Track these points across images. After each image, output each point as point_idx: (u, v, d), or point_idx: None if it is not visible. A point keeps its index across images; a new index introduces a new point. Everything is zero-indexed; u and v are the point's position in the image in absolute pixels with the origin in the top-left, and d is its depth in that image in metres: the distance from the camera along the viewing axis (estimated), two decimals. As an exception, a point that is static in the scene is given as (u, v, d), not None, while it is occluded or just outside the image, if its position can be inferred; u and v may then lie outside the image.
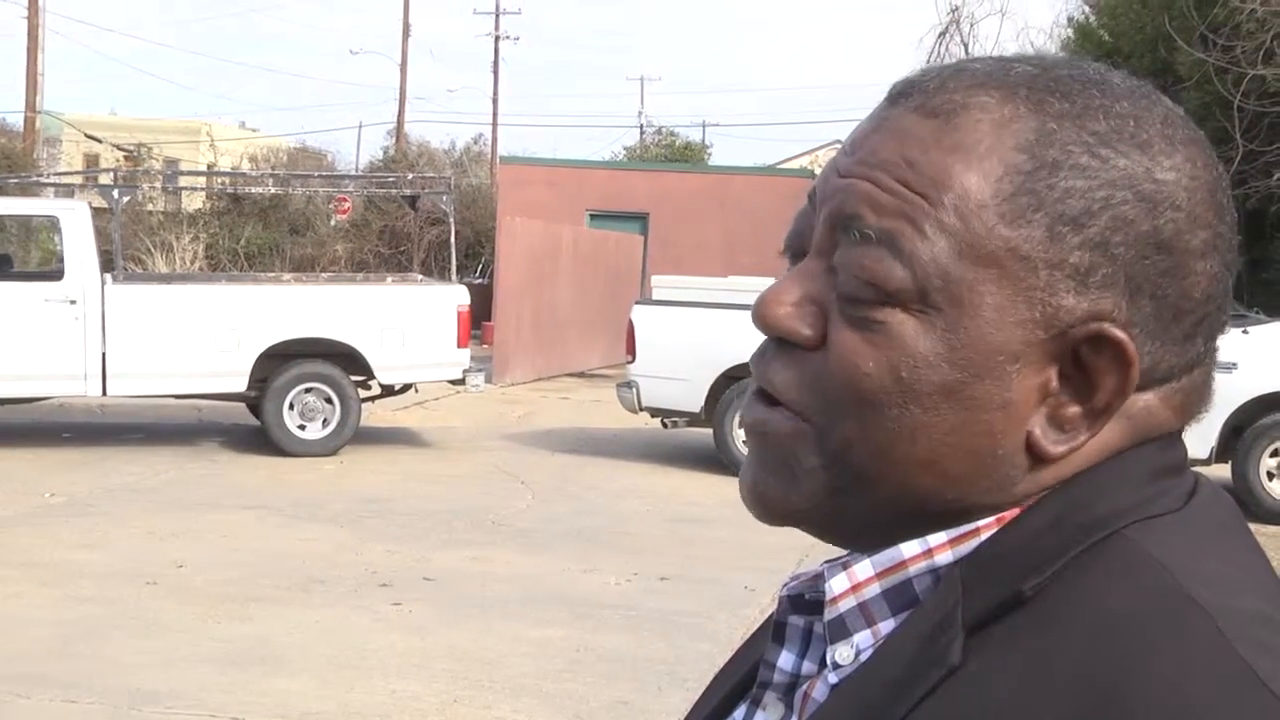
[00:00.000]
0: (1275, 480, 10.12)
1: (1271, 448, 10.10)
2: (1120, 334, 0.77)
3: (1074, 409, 0.78)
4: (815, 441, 0.80)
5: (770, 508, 0.83)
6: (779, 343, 0.82)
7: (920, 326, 0.77)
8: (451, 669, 6.08)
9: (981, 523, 0.79)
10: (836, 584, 0.81)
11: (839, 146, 0.85)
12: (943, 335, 0.77)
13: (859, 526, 0.82)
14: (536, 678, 5.99)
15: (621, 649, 6.47)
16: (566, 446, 12.98)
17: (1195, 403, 0.83)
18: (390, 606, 7.08)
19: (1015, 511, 0.79)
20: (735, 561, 8.15)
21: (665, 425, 12.34)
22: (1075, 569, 0.75)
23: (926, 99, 0.80)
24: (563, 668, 6.15)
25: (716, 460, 11.56)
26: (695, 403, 11.61)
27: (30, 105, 30.50)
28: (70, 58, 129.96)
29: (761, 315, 0.82)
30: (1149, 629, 0.71)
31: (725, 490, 10.31)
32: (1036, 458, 0.78)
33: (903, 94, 0.82)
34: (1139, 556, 0.75)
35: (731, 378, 11.31)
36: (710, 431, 11.74)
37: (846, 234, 0.80)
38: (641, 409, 11.93)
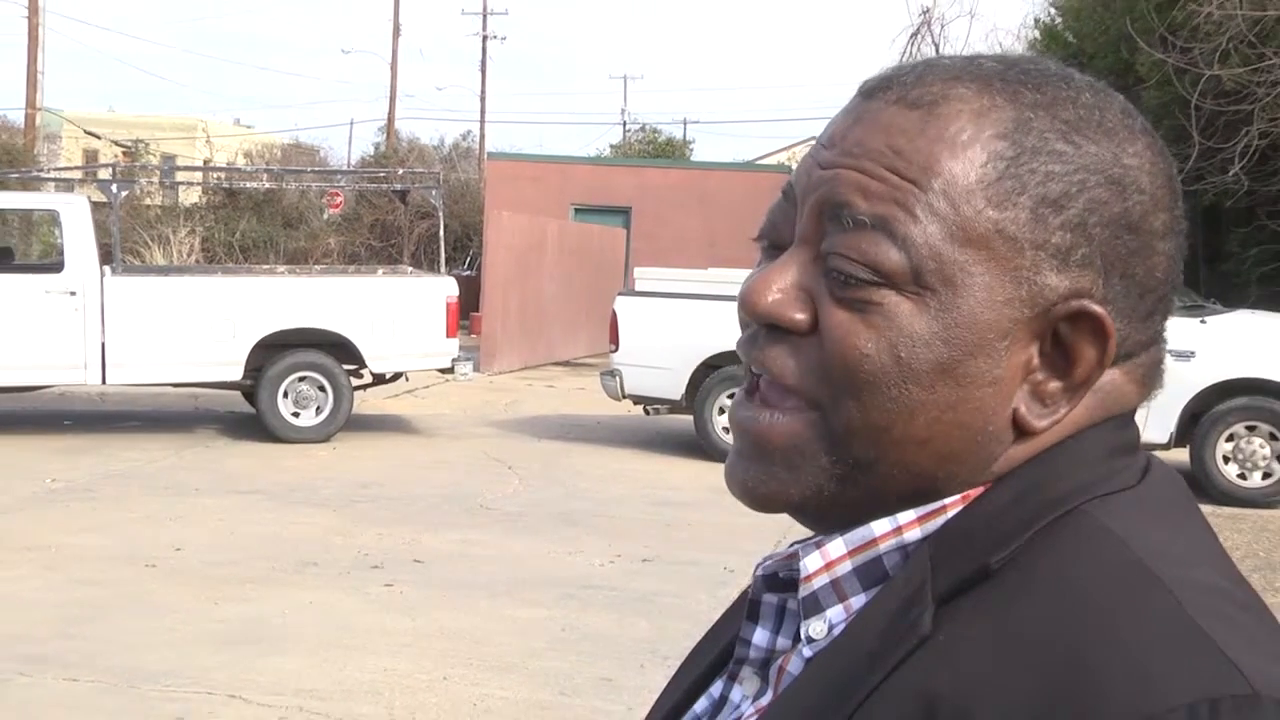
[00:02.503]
0: (1230, 464, 10.19)
1: (1227, 433, 10.17)
2: (1100, 309, 0.79)
3: (1054, 384, 0.81)
4: (820, 429, 0.81)
5: (767, 501, 0.84)
6: (769, 330, 0.83)
7: (915, 307, 0.79)
8: (441, 648, 6.14)
9: (948, 500, 0.81)
10: (811, 562, 0.82)
11: (814, 142, 0.92)
12: (937, 315, 0.79)
13: (854, 511, 0.82)
14: (523, 656, 6.04)
15: (605, 628, 6.53)
16: (552, 433, 12.99)
17: (1154, 377, 0.86)
18: (382, 588, 7.14)
19: (980, 489, 0.81)
20: (715, 543, 8.20)
21: (647, 412, 12.37)
22: (1039, 544, 0.77)
23: (905, 91, 0.82)
24: (548, 646, 6.19)
25: (697, 446, 11.59)
26: (676, 390, 11.66)
27: (31, 103, 30.51)
28: (70, 56, 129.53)
29: (751, 303, 0.82)
30: (1110, 600, 0.73)
31: (705, 475, 10.35)
32: (1021, 432, 0.81)
33: (879, 88, 0.84)
34: (1099, 531, 0.77)
35: (711, 366, 11.41)
36: (691, 418, 11.78)
37: (837, 221, 0.81)
38: (624, 396, 11.98)
